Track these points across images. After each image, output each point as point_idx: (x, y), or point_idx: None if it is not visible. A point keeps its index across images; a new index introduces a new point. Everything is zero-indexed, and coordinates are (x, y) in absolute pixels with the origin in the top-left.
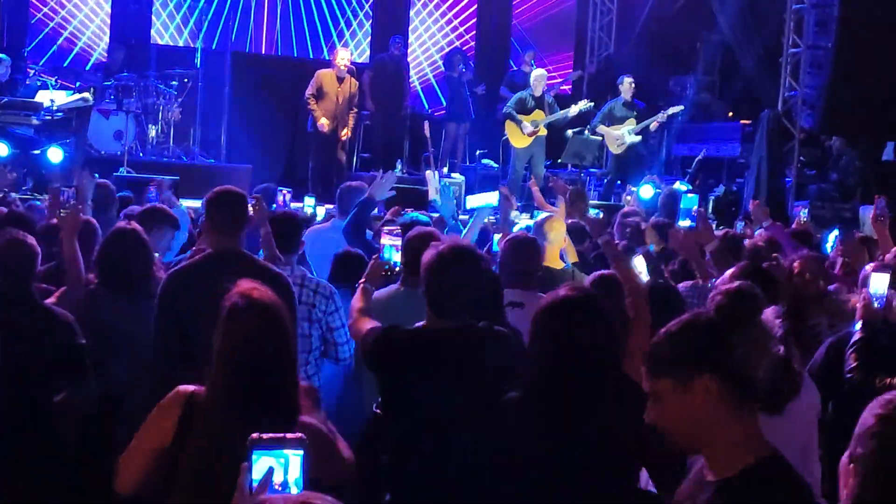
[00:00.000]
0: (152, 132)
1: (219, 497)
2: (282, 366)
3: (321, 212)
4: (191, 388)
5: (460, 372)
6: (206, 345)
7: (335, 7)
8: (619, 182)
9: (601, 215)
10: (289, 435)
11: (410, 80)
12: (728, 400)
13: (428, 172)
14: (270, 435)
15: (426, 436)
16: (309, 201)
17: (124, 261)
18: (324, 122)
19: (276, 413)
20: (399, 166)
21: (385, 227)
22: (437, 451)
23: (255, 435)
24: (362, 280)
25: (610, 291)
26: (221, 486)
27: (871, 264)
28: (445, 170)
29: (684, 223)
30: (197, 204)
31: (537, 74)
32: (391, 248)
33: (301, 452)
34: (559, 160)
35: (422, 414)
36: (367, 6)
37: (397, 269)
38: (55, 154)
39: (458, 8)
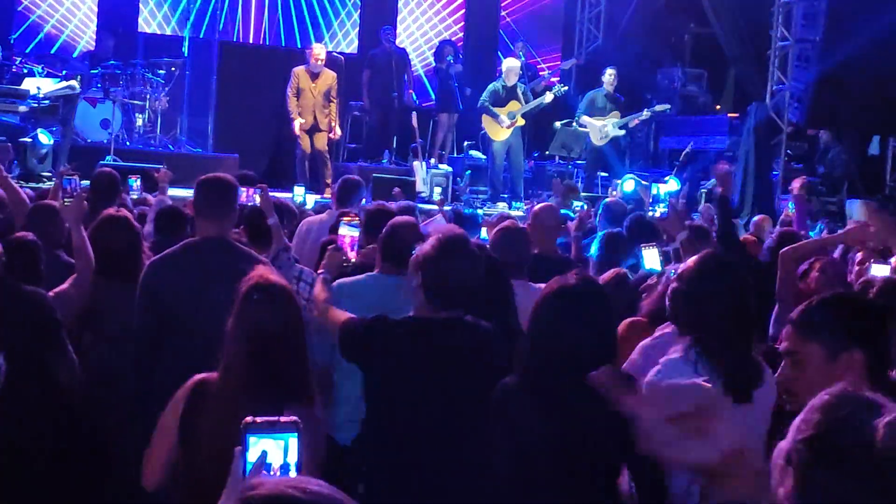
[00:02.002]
0: (139, 121)
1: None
2: (297, 349)
3: (310, 200)
4: (202, 375)
5: (454, 363)
6: (188, 330)
7: None
8: (599, 173)
9: (585, 206)
10: (283, 418)
11: (413, 69)
12: (866, 378)
13: (415, 163)
14: (264, 419)
15: (414, 427)
16: (298, 191)
17: (115, 247)
18: (297, 124)
19: (291, 396)
20: (385, 157)
21: (344, 218)
22: (424, 441)
23: (248, 419)
24: (320, 270)
25: (620, 289)
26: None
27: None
28: (433, 161)
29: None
30: (183, 193)
31: (509, 65)
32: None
33: (297, 435)
34: (547, 151)
35: (411, 405)
36: None
37: (352, 262)
38: (43, 137)
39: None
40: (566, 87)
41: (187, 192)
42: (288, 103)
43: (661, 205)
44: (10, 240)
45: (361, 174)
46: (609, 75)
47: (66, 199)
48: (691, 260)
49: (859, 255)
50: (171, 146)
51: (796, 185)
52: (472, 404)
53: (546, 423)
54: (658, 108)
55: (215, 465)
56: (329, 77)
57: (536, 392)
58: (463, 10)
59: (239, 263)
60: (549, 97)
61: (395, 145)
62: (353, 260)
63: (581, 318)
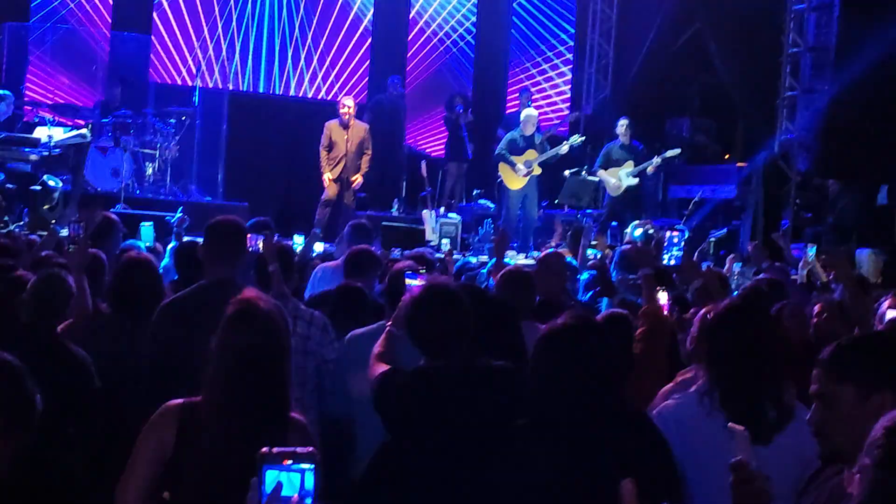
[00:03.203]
0: (149, 169)
1: (229, 491)
2: (277, 373)
3: (318, 247)
4: (180, 401)
5: (460, 411)
6: (198, 372)
7: (333, 47)
8: (614, 223)
9: (600, 255)
10: (299, 449)
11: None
12: None
13: (425, 212)
14: (280, 449)
15: (430, 476)
16: (297, 239)
17: (137, 289)
18: (327, 177)
19: (269, 415)
20: (395, 206)
21: (408, 271)
22: (443, 489)
23: (264, 449)
24: (389, 323)
25: (618, 328)
26: (222, 492)
27: (888, 300)
28: (442, 210)
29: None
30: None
31: (527, 114)
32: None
33: (313, 467)
34: (556, 201)
35: (425, 454)
36: (365, 46)
37: None
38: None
39: (455, 49)
40: (583, 138)
41: (197, 240)
42: (320, 157)
43: (674, 248)
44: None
45: (371, 223)
46: (622, 126)
47: (70, 246)
48: (723, 303)
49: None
50: (181, 194)
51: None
52: (478, 449)
53: (553, 464)
54: (669, 153)
55: (204, 487)
56: (361, 129)
57: (543, 433)
58: (473, 59)
59: None
60: (565, 147)
61: (404, 194)
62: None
63: (575, 354)
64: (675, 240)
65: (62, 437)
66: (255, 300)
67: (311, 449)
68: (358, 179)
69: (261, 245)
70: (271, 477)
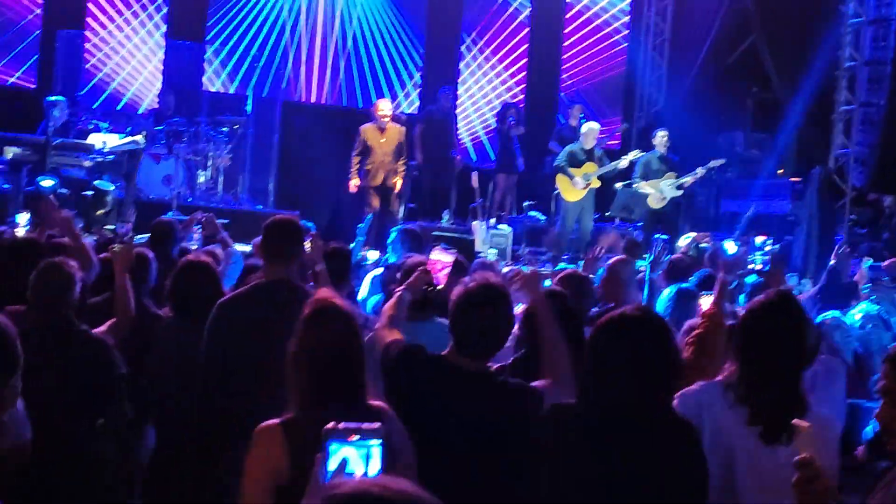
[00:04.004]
0: (201, 178)
1: None
2: (359, 370)
3: (373, 256)
4: (275, 421)
5: (468, 415)
6: (253, 370)
7: (385, 57)
8: (655, 235)
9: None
10: (365, 425)
11: (458, 132)
12: None
13: (475, 223)
14: (346, 425)
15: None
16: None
17: (197, 291)
18: (353, 184)
19: (353, 408)
20: (446, 216)
21: (440, 244)
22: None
23: (330, 425)
24: (401, 287)
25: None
26: None
27: None
28: (493, 221)
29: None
30: (244, 248)
31: (589, 127)
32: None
33: (380, 442)
34: (607, 213)
35: (424, 440)
36: (417, 57)
37: (439, 287)
38: (46, 182)
39: (507, 61)
40: (642, 153)
41: (247, 248)
42: (351, 162)
43: (758, 253)
44: None
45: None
46: (660, 137)
47: (115, 245)
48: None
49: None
50: (232, 203)
51: None
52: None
53: (599, 462)
54: (712, 163)
55: None
56: (397, 132)
57: (591, 429)
58: (524, 73)
59: (303, 305)
60: (624, 162)
61: (454, 205)
62: (441, 286)
63: (630, 346)
64: (764, 243)
65: (89, 425)
66: (332, 299)
67: (377, 425)
68: (398, 182)
69: (307, 245)
70: (336, 452)
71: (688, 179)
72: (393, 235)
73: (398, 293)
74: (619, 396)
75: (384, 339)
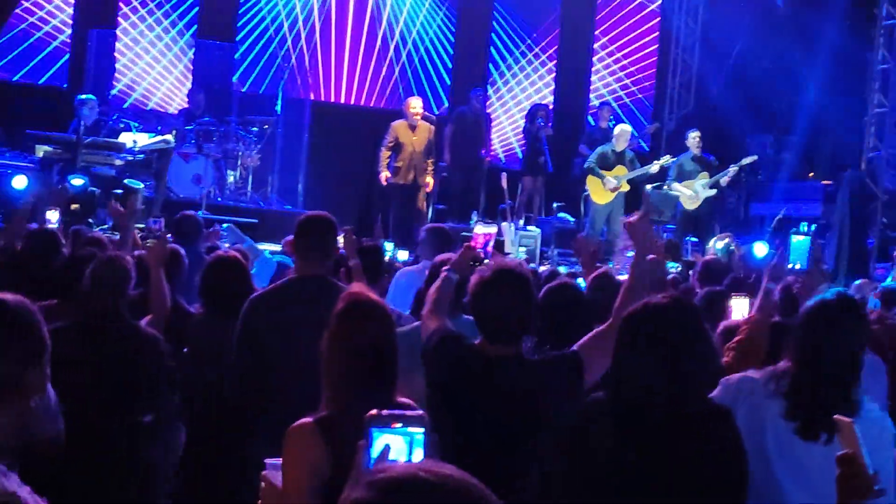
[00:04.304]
0: (231, 177)
1: None
2: (391, 358)
3: (402, 255)
4: (309, 419)
5: (504, 399)
6: (285, 367)
7: (415, 58)
8: (689, 237)
9: (679, 268)
10: (409, 412)
11: (491, 133)
12: None
13: (504, 224)
14: (389, 412)
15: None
16: (387, 246)
17: (227, 287)
18: (383, 176)
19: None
20: (474, 218)
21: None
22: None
23: (373, 412)
24: (446, 267)
25: None
26: None
27: None
28: (521, 222)
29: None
30: (273, 248)
31: (621, 129)
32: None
33: (423, 430)
34: None
35: (461, 430)
36: (447, 58)
37: (487, 260)
38: (20, 181)
39: (537, 63)
40: (673, 158)
41: (276, 247)
42: (380, 156)
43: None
44: None
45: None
46: (693, 138)
47: (149, 241)
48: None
49: None
50: (261, 203)
51: None
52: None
53: (630, 456)
54: (745, 161)
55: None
56: (428, 130)
57: (622, 423)
58: (554, 75)
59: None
60: (655, 167)
61: (483, 206)
62: (488, 261)
63: (656, 329)
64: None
65: (139, 418)
66: (366, 293)
67: (421, 412)
68: (429, 182)
69: (341, 241)
70: (379, 439)
71: (722, 178)
72: (422, 235)
73: (444, 274)
74: (648, 386)
75: (428, 326)
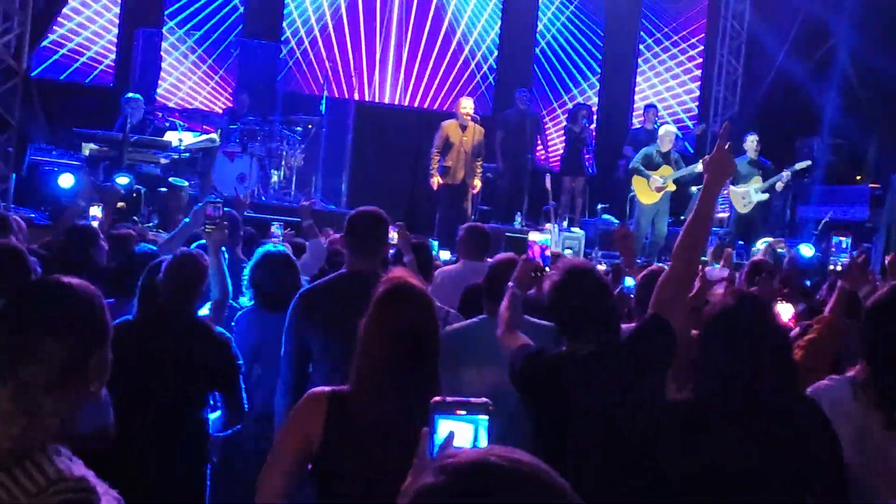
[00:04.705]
0: (275, 177)
1: (391, 475)
2: (433, 348)
3: (445, 255)
4: (326, 388)
5: (608, 393)
6: (333, 362)
7: (459, 58)
8: (739, 241)
9: (727, 271)
10: (473, 399)
11: (548, 132)
12: None
13: (548, 226)
14: (454, 399)
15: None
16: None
17: (276, 281)
18: (435, 181)
19: (424, 396)
20: (518, 219)
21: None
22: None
23: (437, 398)
24: (511, 283)
25: None
26: (380, 478)
27: None
28: (566, 224)
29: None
30: None
31: (666, 130)
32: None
33: (487, 417)
34: (682, 217)
35: (573, 439)
36: (491, 59)
37: (547, 268)
38: (66, 180)
39: (582, 64)
40: None
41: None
42: (431, 159)
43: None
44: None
45: (494, 236)
46: (751, 141)
47: (207, 226)
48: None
49: None
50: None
51: None
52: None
53: (719, 443)
54: (798, 166)
55: (360, 476)
56: (479, 132)
57: (708, 408)
58: (598, 75)
59: None
60: (700, 166)
61: (526, 207)
62: (548, 269)
63: (736, 327)
64: (843, 245)
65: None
66: (406, 278)
67: (485, 399)
68: (477, 185)
69: (395, 236)
70: (443, 426)
71: (777, 183)
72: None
73: (510, 292)
74: (733, 381)
75: (510, 346)
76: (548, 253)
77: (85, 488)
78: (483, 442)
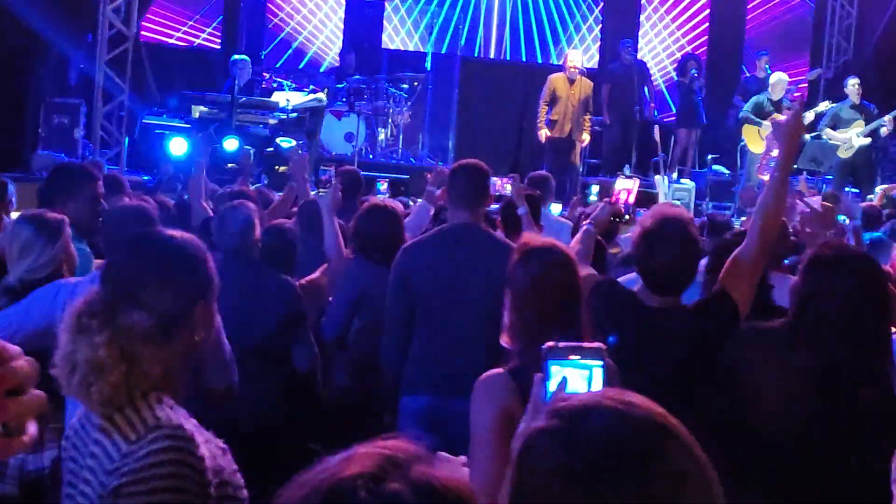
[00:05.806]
0: (382, 135)
1: None
2: (579, 298)
3: (556, 209)
4: (498, 370)
5: (665, 350)
6: (438, 315)
7: (564, 11)
8: (845, 188)
9: (846, 220)
10: (586, 344)
11: (655, 83)
12: None
13: (657, 177)
14: (566, 343)
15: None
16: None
17: (380, 234)
18: (543, 134)
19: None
20: (627, 171)
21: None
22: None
23: (549, 343)
24: (588, 221)
25: None
26: None
27: None
28: (675, 175)
29: None
30: None
31: (777, 78)
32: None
33: (602, 363)
34: (795, 166)
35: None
36: (597, 10)
37: (627, 216)
38: (231, 144)
39: (689, 13)
40: (831, 104)
41: None
42: (538, 112)
43: None
44: (269, 227)
45: (604, 189)
46: (853, 85)
47: (321, 190)
48: None
49: None
50: (412, 160)
51: None
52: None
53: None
54: None
55: None
56: (587, 85)
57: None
58: (706, 25)
59: (489, 251)
60: (811, 115)
61: (634, 160)
62: (627, 217)
63: (846, 274)
64: None
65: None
66: (548, 240)
67: (598, 344)
68: (585, 139)
69: (509, 188)
70: (556, 372)
71: (878, 127)
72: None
73: (584, 228)
74: (832, 319)
75: (583, 275)
76: (630, 200)
77: (183, 436)
78: (597, 387)
